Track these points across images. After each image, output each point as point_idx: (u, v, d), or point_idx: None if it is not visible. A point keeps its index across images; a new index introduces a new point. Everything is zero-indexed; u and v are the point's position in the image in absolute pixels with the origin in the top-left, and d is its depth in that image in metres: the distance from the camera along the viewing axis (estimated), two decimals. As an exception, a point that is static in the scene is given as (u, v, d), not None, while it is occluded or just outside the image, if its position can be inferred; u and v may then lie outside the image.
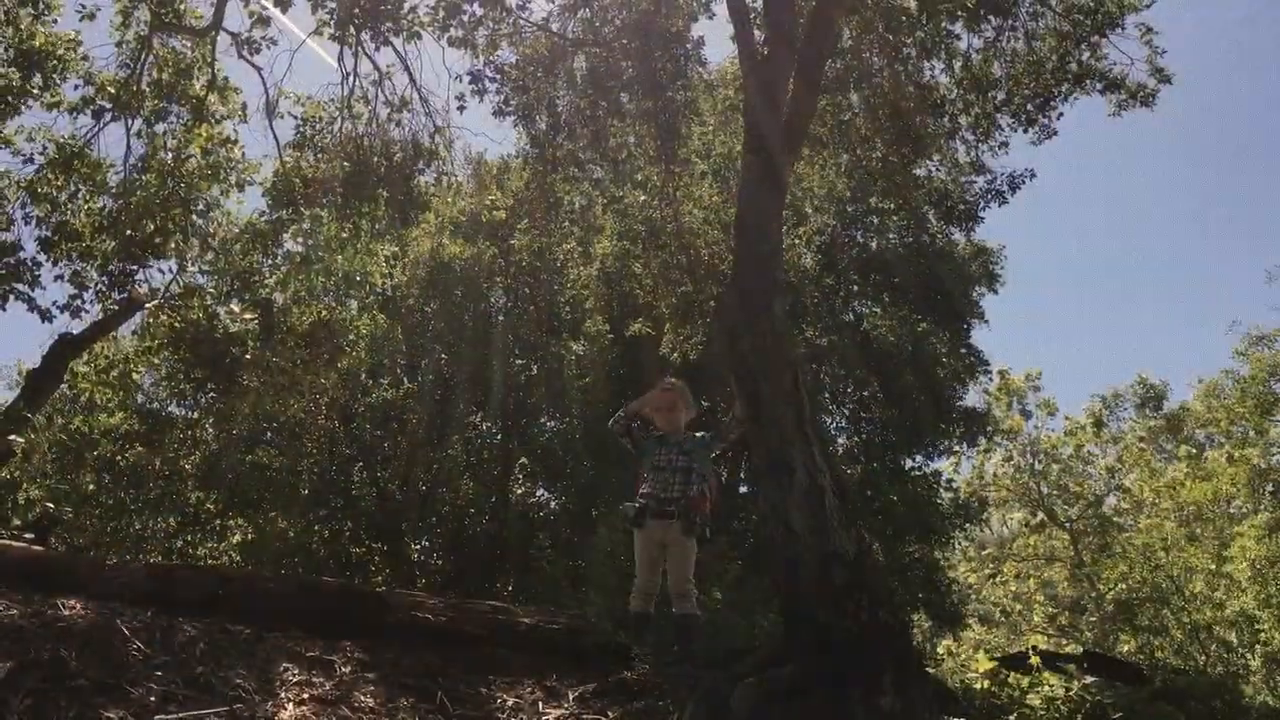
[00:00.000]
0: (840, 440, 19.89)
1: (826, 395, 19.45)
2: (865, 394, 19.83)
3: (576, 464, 18.09)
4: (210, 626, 4.03)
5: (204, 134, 11.63)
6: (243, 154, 12.11)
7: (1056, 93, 10.00)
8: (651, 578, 5.46)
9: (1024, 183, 12.80)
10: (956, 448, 20.85)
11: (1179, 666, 14.30)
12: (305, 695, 3.54)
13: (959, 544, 22.81)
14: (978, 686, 4.56)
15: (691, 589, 5.37)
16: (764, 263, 5.34)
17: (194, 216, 12.14)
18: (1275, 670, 16.51)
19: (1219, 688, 4.51)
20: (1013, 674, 4.48)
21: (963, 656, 21.37)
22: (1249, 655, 17.08)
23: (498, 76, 10.18)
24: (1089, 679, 3.93)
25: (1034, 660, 4.31)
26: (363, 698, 3.63)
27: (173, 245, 11.98)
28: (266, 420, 16.76)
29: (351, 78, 10.71)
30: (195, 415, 16.99)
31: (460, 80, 10.00)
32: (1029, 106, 10.15)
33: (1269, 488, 20.10)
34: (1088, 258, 70.04)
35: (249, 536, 17.43)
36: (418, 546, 18.73)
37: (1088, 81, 9.86)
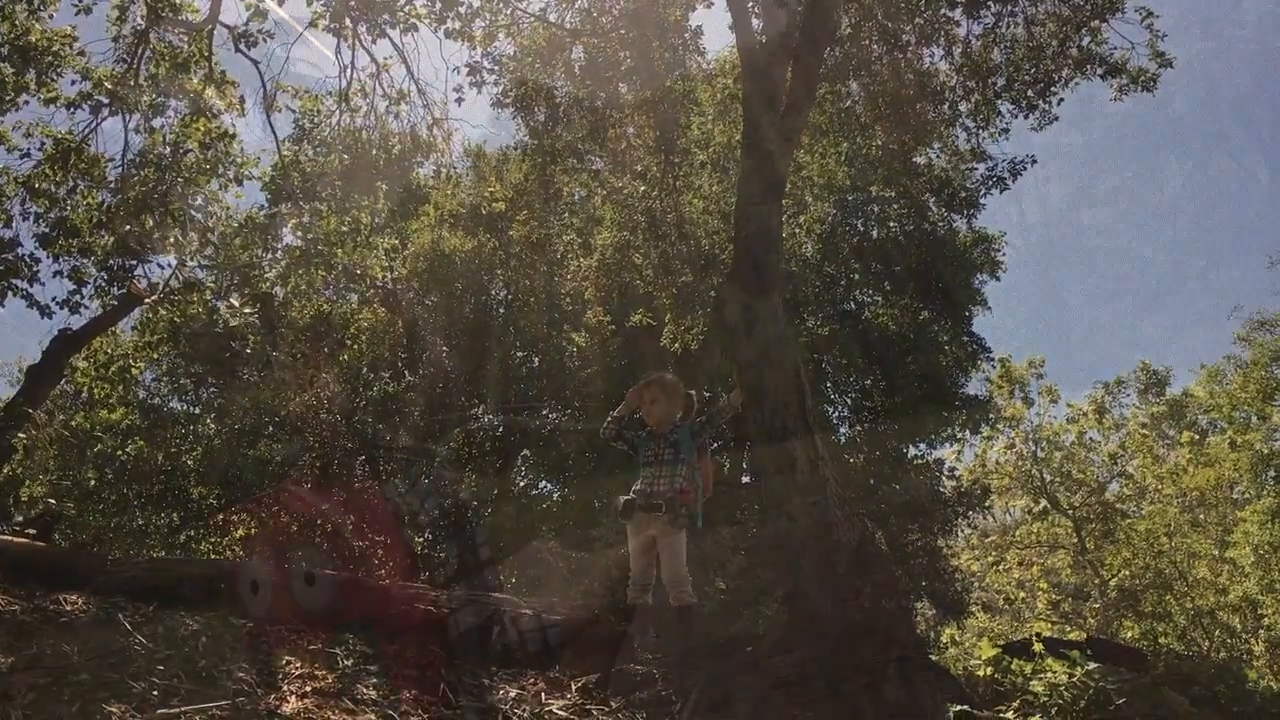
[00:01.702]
0: (842, 429, 19.84)
1: (828, 384, 19.41)
2: (867, 383, 19.79)
3: (578, 455, 18.08)
4: (212, 620, 4.02)
5: (202, 128, 11.61)
6: (241, 148, 12.09)
7: (1057, 78, 9.97)
8: (644, 569, 5.51)
9: (1025, 168, 12.81)
10: (959, 436, 20.79)
11: (1183, 652, 14.32)
12: (308, 688, 3.53)
13: (962, 532, 22.82)
14: (981, 674, 4.56)
15: (686, 577, 5.40)
16: (764, 252, 5.32)
17: (193, 211, 12.12)
18: (1279, 655, 16.52)
19: (1223, 673, 4.50)
20: (1016, 661, 4.48)
21: (966, 644, 21.43)
22: (1252, 640, 17.11)
23: (495, 68, 10.17)
24: (1092, 665, 3.92)
25: (1037, 647, 4.31)
26: (365, 690, 3.63)
27: (171, 240, 11.96)
28: (267, 415, 16.77)
29: (349, 70, 10.72)
30: (196, 410, 17.03)
31: (458, 72, 10.03)
32: (1029, 92, 10.12)
33: (1271, 473, 20.08)
34: (1094, 245, 69.78)
35: (251, 531, 17.47)
36: (421, 540, 18.75)
37: (1088, 66, 9.82)
